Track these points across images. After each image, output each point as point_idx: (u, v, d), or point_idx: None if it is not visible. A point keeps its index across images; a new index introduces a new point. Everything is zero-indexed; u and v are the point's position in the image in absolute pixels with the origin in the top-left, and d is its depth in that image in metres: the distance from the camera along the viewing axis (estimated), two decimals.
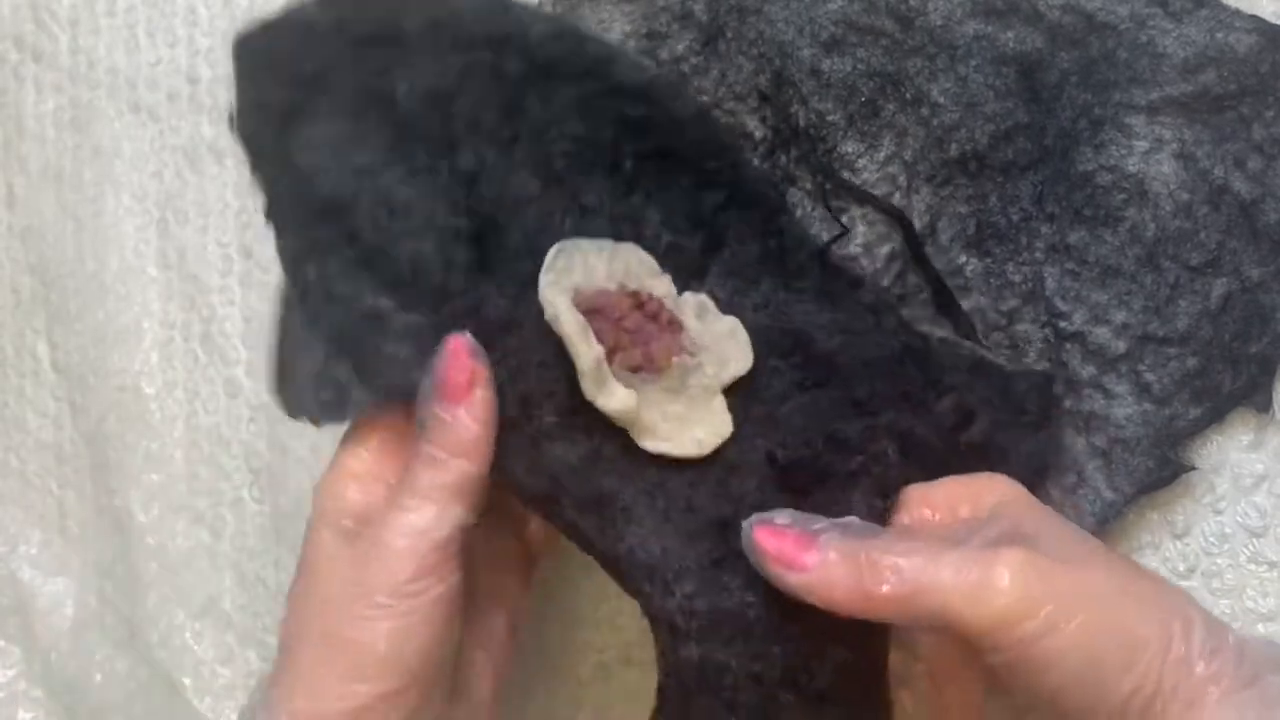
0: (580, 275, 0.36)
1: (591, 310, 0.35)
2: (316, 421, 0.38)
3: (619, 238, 0.37)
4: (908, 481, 0.36)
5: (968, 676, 0.35)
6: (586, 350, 0.34)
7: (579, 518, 0.36)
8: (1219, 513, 0.43)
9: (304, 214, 0.37)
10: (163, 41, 0.57)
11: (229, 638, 0.54)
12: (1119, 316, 0.42)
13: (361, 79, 0.37)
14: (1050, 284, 0.42)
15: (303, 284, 0.37)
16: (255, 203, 0.55)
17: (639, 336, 0.36)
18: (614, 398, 0.35)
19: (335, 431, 0.53)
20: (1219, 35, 0.42)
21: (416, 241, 0.37)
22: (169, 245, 0.56)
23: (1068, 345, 0.42)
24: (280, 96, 0.37)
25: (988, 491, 0.34)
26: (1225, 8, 0.42)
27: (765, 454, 0.36)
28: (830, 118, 0.44)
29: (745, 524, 0.33)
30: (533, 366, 0.36)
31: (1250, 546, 0.42)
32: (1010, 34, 0.43)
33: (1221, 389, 0.41)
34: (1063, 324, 0.42)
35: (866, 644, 0.35)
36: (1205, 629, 0.30)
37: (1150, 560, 0.43)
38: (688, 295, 0.38)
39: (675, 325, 0.37)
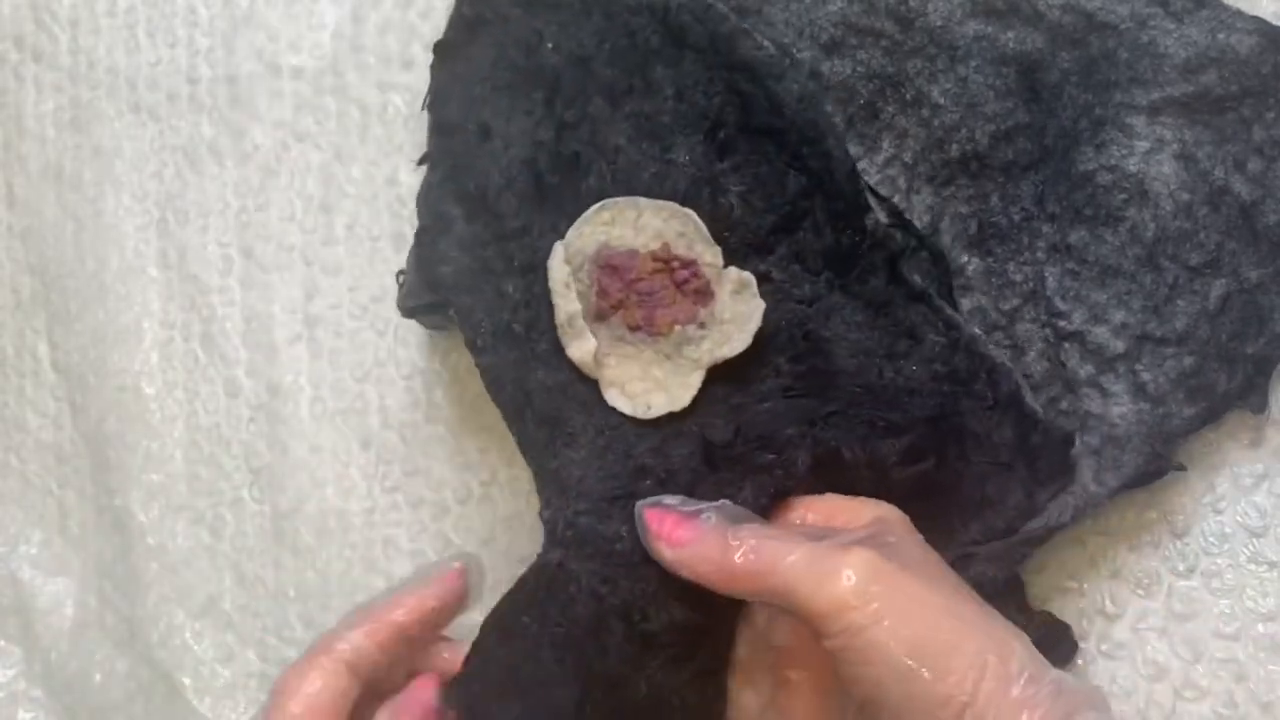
0: (626, 229, 0.40)
1: (610, 266, 0.40)
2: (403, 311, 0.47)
3: (694, 199, 0.40)
4: (807, 492, 0.38)
5: (817, 670, 0.36)
6: (563, 304, 0.39)
7: (534, 430, 0.41)
8: (1219, 512, 0.43)
9: (431, 129, 0.45)
10: (163, 41, 0.57)
11: (229, 637, 0.54)
12: (1118, 316, 0.41)
13: (512, 31, 0.44)
14: (1051, 283, 0.42)
15: (421, 187, 0.45)
16: (255, 202, 0.55)
17: (650, 299, 0.39)
18: (574, 349, 0.39)
19: (334, 432, 0.53)
20: (1220, 36, 0.42)
21: (490, 164, 0.43)
22: (169, 245, 0.56)
23: (1066, 345, 0.42)
24: (446, 35, 0.46)
25: (868, 510, 0.37)
26: (1226, 8, 0.42)
27: (702, 429, 0.39)
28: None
29: (638, 504, 0.37)
30: (546, 298, 0.40)
31: (1250, 546, 0.42)
32: (1010, 34, 0.43)
33: (1217, 389, 0.41)
34: (1062, 323, 0.42)
35: (709, 614, 0.37)
36: (1025, 659, 0.32)
37: (1150, 560, 0.43)
38: (732, 270, 0.39)
39: (703, 295, 0.39)
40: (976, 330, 0.40)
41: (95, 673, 0.56)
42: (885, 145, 0.43)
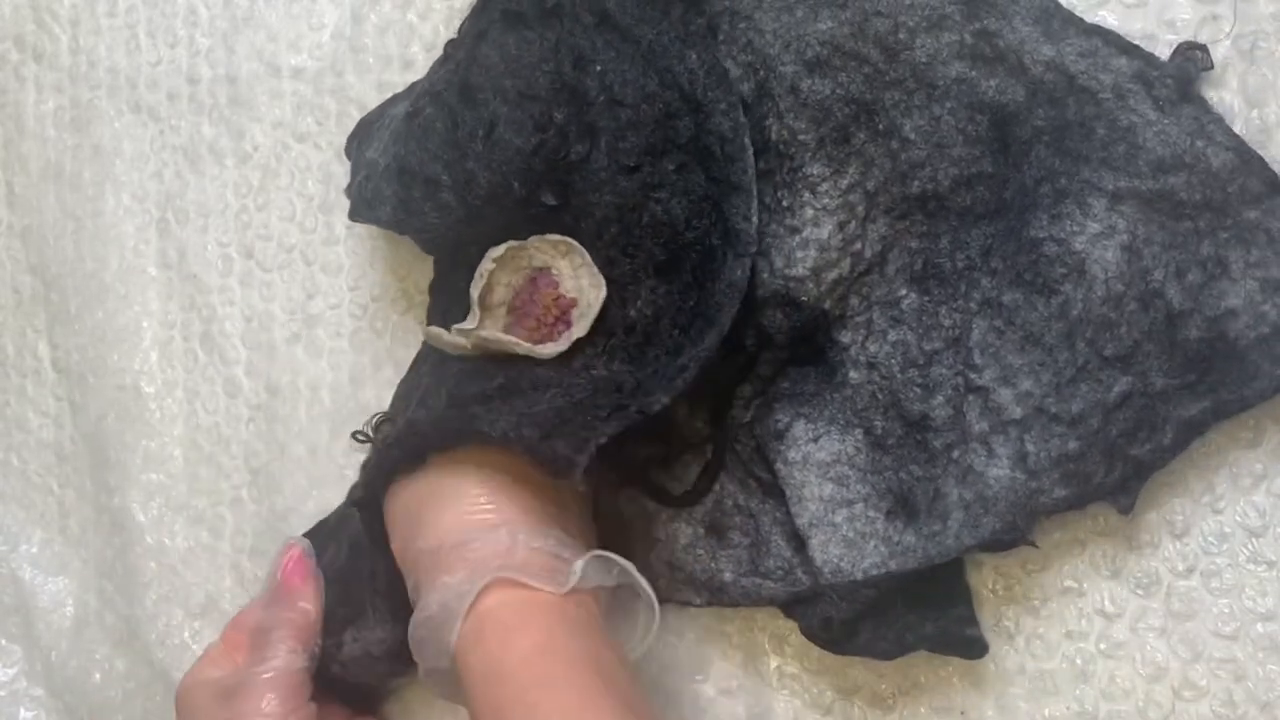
0: (566, 267, 0.45)
1: (534, 281, 0.46)
2: (349, 194, 0.49)
3: (626, 290, 0.44)
4: None
5: None
6: (473, 290, 0.45)
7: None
8: (1218, 512, 0.43)
9: (455, 73, 0.47)
10: (163, 41, 0.58)
11: None
12: (1025, 384, 0.41)
13: (576, 36, 0.44)
14: (975, 336, 0.42)
15: (419, 111, 0.47)
16: (255, 202, 0.55)
17: (524, 313, 0.46)
18: (467, 321, 0.45)
19: (333, 432, 0.53)
20: (1198, 143, 0.41)
21: (484, 170, 0.45)
22: (169, 245, 0.57)
23: (971, 397, 0.42)
24: (520, 5, 0.46)
25: None
26: (1210, 112, 0.42)
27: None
28: (801, 137, 0.44)
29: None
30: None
31: (1249, 546, 0.42)
32: (992, 82, 0.43)
33: (1092, 479, 0.41)
34: (973, 375, 0.42)
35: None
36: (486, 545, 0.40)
37: (1149, 560, 0.43)
38: (564, 342, 0.44)
39: (545, 339, 0.45)
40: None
41: (95, 672, 0.56)
42: (851, 171, 0.44)
